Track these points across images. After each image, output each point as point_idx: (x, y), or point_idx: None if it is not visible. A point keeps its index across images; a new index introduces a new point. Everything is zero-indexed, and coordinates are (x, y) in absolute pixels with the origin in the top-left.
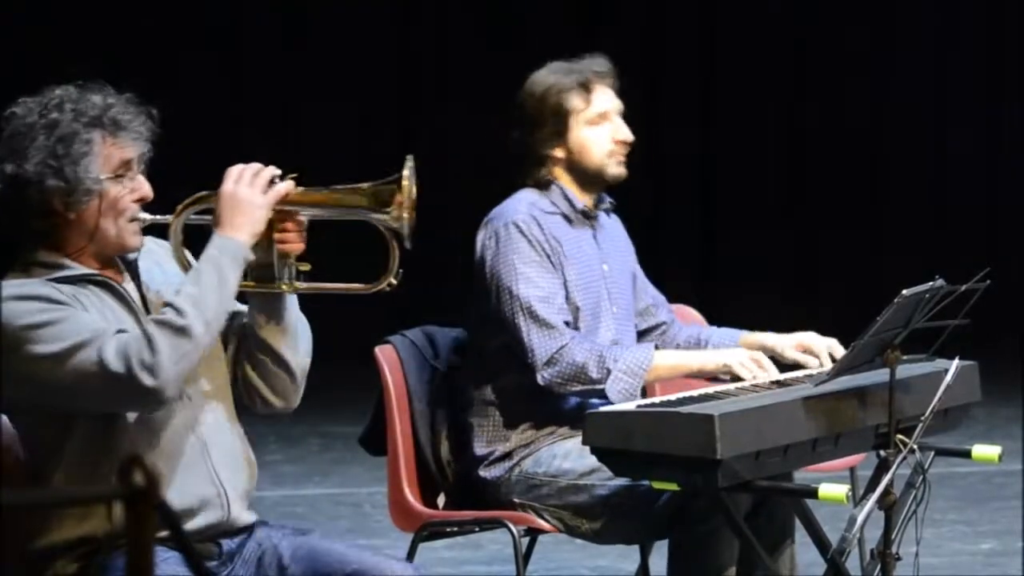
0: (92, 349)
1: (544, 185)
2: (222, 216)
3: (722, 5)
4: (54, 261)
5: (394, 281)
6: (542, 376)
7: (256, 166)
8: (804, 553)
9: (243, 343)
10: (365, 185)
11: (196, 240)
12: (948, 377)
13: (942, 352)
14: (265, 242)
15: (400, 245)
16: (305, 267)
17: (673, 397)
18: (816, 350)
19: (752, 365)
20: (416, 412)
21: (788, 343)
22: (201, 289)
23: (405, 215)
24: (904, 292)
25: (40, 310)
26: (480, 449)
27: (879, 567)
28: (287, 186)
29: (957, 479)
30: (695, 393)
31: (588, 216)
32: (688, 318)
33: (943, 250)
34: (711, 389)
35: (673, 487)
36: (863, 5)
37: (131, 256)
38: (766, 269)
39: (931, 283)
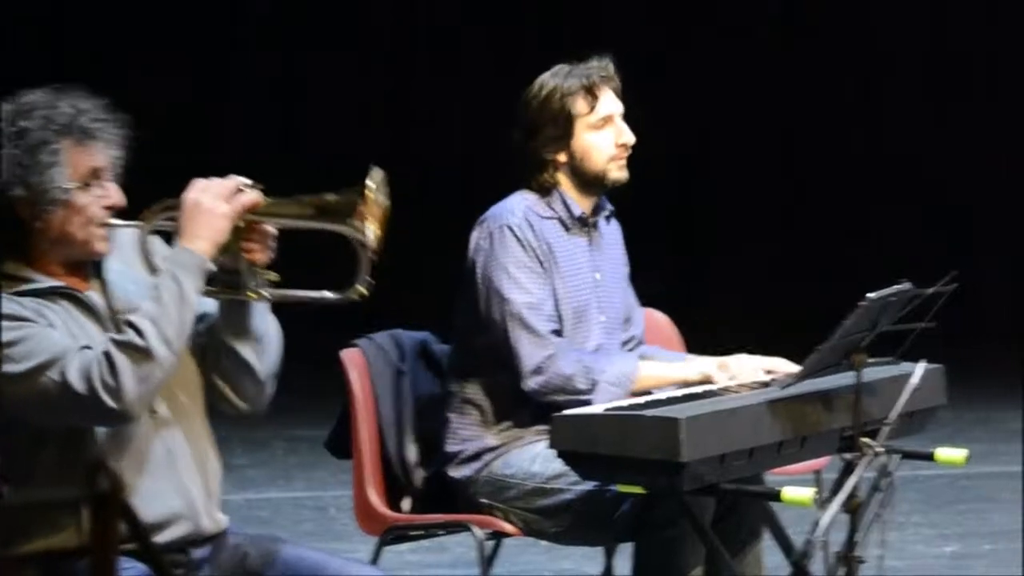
0: (55, 370)
1: (544, 189)
2: (184, 226)
3: None
4: (20, 274)
5: (363, 290)
6: (528, 384)
7: (224, 179)
8: (769, 556)
9: (210, 348)
10: (330, 196)
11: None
12: (914, 380)
13: (908, 355)
14: (232, 250)
15: (367, 254)
16: (273, 277)
17: (640, 400)
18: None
19: (724, 377)
20: (382, 416)
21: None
22: (160, 307)
23: (369, 226)
24: (870, 295)
25: (4, 328)
26: (451, 446)
27: (843, 570)
28: (253, 196)
29: (922, 482)
30: (662, 396)
31: (585, 223)
32: (657, 324)
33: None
34: (680, 392)
35: (638, 491)
36: None
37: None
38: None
39: (897, 286)
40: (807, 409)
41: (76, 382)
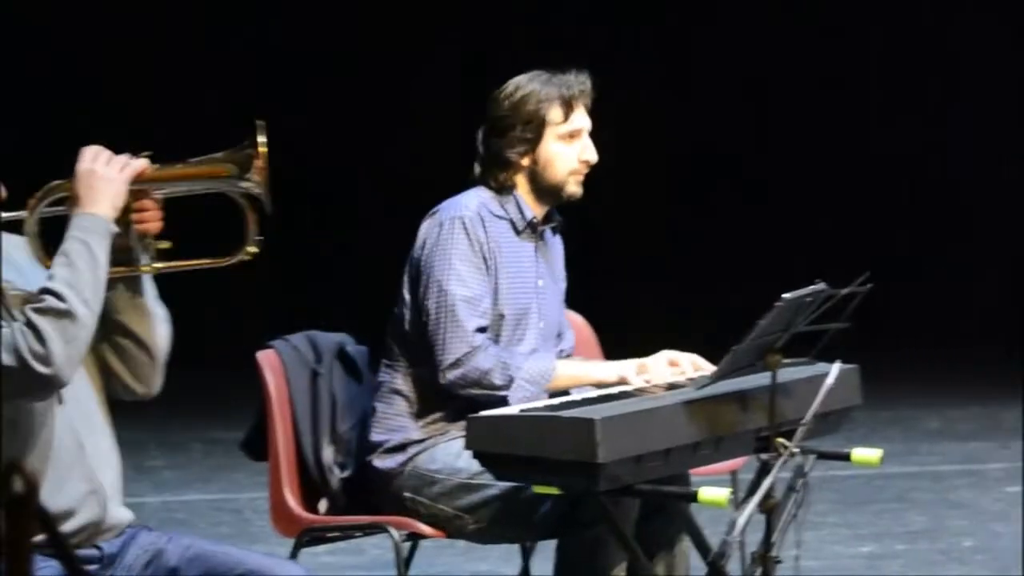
0: None
1: (501, 188)
2: (81, 195)
3: None
4: None
5: (254, 249)
6: (444, 376)
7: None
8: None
9: (105, 328)
10: (220, 155)
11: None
12: (829, 380)
13: (823, 355)
14: (122, 224)
15: (258, 212)
16: (165, 245)
17: (556, 401)
18: (681, 362)
19: (641, 380)
20: (298, 417)
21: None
22: (74, 271)
23: (264, 179)
24: (785, 296)
25: None
26: (377, 435)
27: (760, 570)
28: (142, 163)
29: (838, 482)
30: (578, 397)
31: (535, 229)
32: (575, 328)
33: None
34: (596, 393)
35: (554, 491)
36: None
37: None
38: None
39: (812, 286)
40: (723, 410)
41: (5, 358)
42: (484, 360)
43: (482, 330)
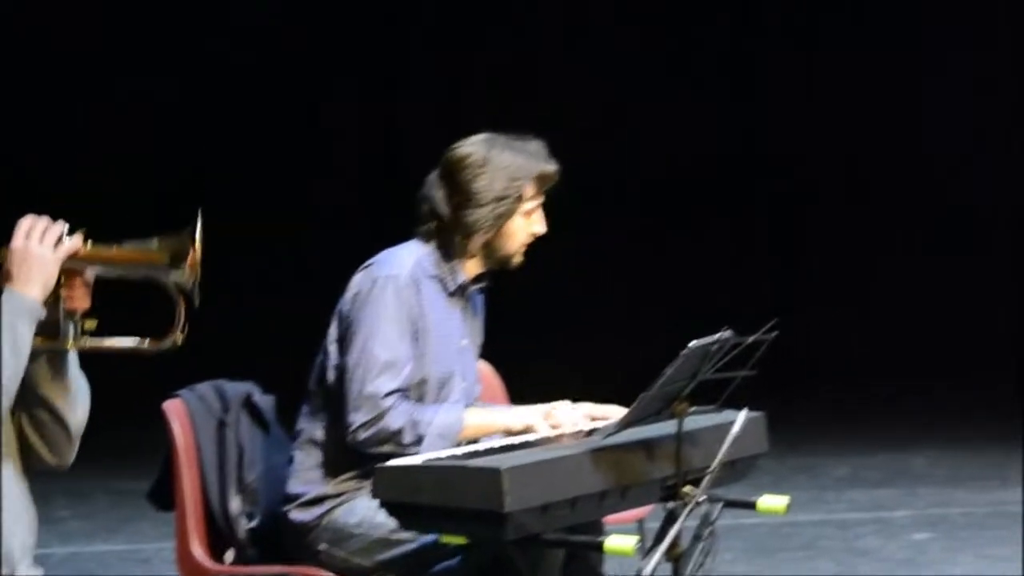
0: None
1: (445, 251)
2: (14, 273)
3: None
4: None
5: (180, 340)
6: (355, 436)
7: (46, 220)
8: None
9: (24, 400)
10: (155, 241)
11: None
12: (735, 428)
13: (730, 403)
14: (51, 298)
15: (188, 302)
16: (91, 324)
17: (463, 450)
18: (600, 415)
19: (547, 427)
20: (205, 467)
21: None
22: None
23: (196, 272)
24: (691, 344)
25: None
26: (295, 487)
27: None
28: (76, 241)
29: (745, 530)
30: (485, 446)
31: (465, 291)
32: (482, 377)
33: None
34: (502, 442)
35: (461, 541)
36: None
37: None
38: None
39: (719, 334)
40: (629, 458)
41: None
42: (394, 420)
43: (398, 392)
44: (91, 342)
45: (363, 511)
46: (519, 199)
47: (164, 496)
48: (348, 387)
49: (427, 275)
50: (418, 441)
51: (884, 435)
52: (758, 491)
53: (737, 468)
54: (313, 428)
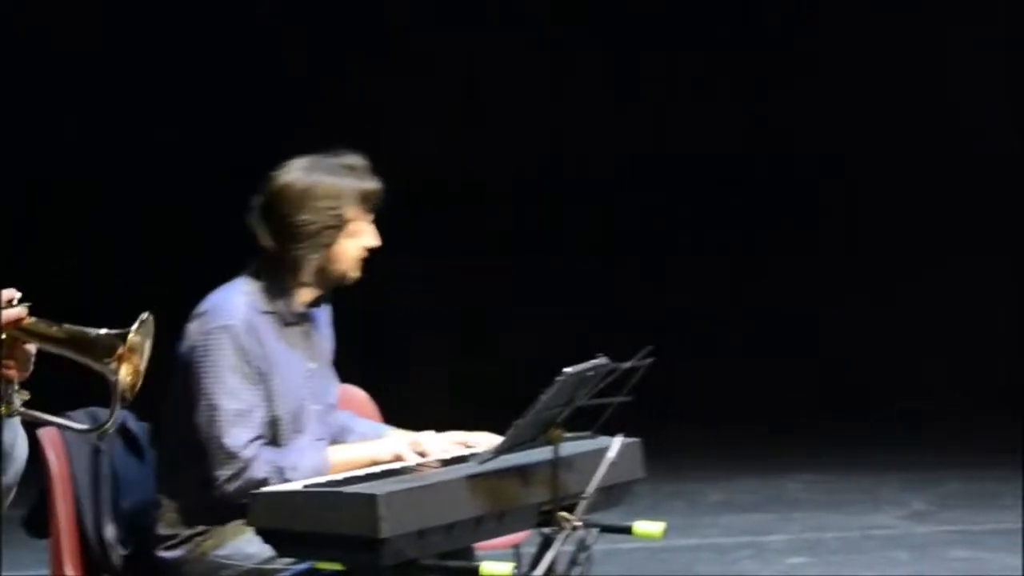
0: None
1: (275, 285)
2: None
3: None
4: None
5: (111, 429)
6: (221, 490)
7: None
8: None
9: None
10: (93, 332)
11: None
12: (610, 454)
13: (606, 430)
14: None
15: (117, 397)
16: (24, 395)
17: (339, 476)
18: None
19: (415, 455)
20: (79, 494)
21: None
22: None
23: (125, 369)
24: (566, 370)
25: None
26: (162, 529)
27: None
28: (18, 312)
29: (621, 555)
30: (360, 472)
31: (305, 317)
32: (355, 402)
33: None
34: (378, 468)
35: (337, 567)
36: None
37: None
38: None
39: (594, 360)
40: (505, 484)
41: None
42: (258, 469)
43: (256, 440)
44: (25, 411)
45: (233, 542)
46: (344, 223)
47: (39, 524)
48: (205, 446)
49: (261, 312)
50: None
51: (759, 460)
52: (634, 516)
53: (613, 493)
54: (172, 477)
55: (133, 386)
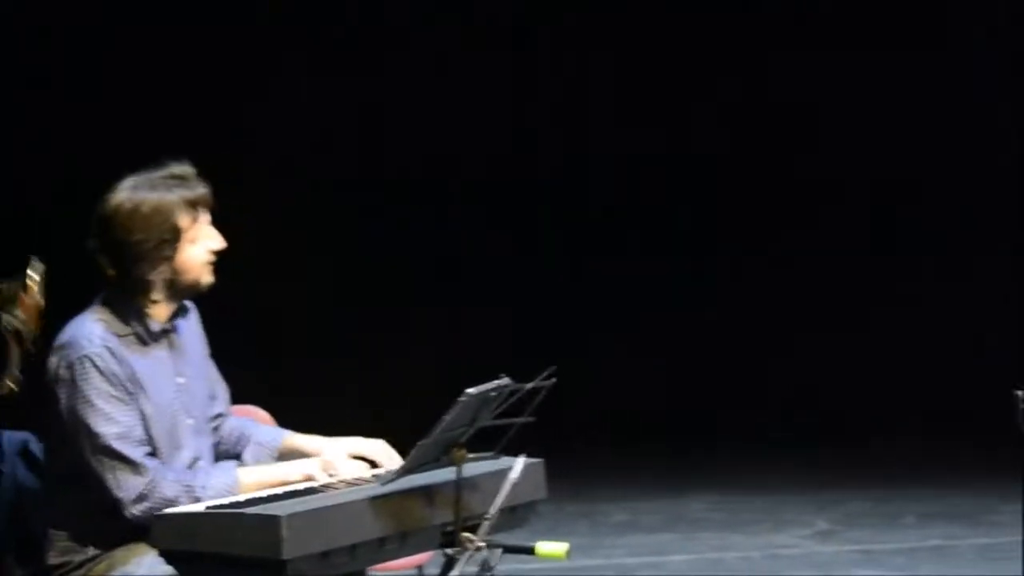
0: None
1: (124, 309)
2: None
3: None
4: None
5: (12, 385)
6: (131, 512)
7: None
8: None
9: None
10: None
11: None
12: (513, 474)
13: (509, 450)
14: None
15: (22, 347)
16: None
17: (243, 498)
18: (371, 457)
19: (325, 475)
20: None
21: (338, 450)
22: None
23: (27, 318)
24: (469, 391)
25: None
26: (53, 559)
27: None
28: None
29: None
30: (264, 493)
31: (165, 333)
32: (255, 418)
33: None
34: (283, 489)
35: None
36: None
37: None
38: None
39: (497, 381)
40: (408, 504)
41: None
42: (167, 488)
43: (150, 455)
44: None
45: (122, 567)
46: (178, 233)
47: None
48: (98, 475)
49: (118, 336)
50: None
51: (662, 481)
52: (538, 537)
53: (517, 514)
54: (60, 502)
55: (33, 336)
